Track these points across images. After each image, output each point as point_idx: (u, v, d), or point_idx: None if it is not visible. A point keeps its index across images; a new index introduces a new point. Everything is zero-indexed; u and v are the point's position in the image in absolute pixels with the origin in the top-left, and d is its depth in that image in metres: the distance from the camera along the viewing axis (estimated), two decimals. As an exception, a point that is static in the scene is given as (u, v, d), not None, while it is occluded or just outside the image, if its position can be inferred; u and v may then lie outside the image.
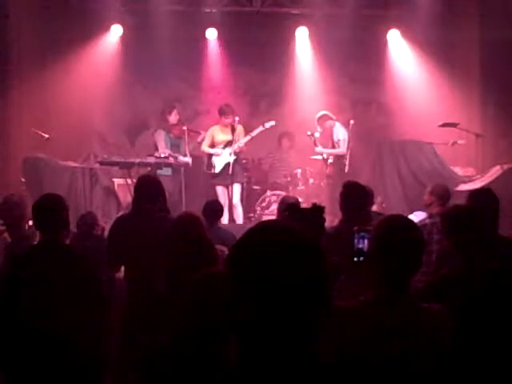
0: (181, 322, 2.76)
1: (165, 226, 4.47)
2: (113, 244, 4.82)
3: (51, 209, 3.73)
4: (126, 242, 4.72)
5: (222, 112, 9.30)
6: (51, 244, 3.67)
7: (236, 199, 9.29)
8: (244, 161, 9.82)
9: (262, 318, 1.41)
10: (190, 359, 2.53)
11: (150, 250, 4.41)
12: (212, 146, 9.42)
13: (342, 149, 9.35)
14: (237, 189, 9.32)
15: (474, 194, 4.84)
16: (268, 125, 9.36)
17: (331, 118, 9.56)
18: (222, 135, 9.36)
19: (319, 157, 9.64)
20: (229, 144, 9.24)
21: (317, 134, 9.53)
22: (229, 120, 9.23)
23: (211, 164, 9.37)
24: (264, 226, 1.54)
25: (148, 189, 4.94)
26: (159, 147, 9.53)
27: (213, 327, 2.54)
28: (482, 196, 4.67)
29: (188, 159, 9.43)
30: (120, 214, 6.18)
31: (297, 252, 1.44)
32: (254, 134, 9.29)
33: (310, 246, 1.48)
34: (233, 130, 9.27)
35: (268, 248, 1.43)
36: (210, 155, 9.40)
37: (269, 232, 1.48)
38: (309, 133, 9.53)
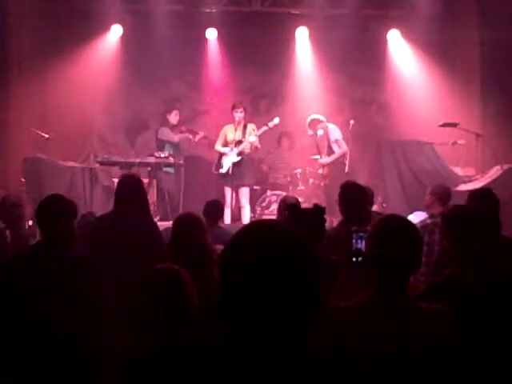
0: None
1: (142, 229, 4.55)
2: (93, 246, 4.82)
3: (52, 209, 3.72)
4: (105, 243, 4.73)
5: (233, 106, 9.27)
6: (51, 244, 3.67)
7: (244, 200, 9.26)
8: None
9: (252, 317, 1.41)
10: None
11: (128, 253, 4.44)
12: (225, 145, 9.36)
13: (344, 147, 9.29)
14: (245, 190, 9.30)
15: (474, 194, 4.84)
16: (272, 124, 9.27)
17: (321, 121, 9.47)
18: (233, 134, 9.28)
19: (328, 159, 9.54)
20: (238, 143, 9.21)
21: (319, 132, 9.42)
22: (239, 114, 9.17)
23: (220, 164, 9.31)
24: (256, 225, 1.54)
25: (128, 189, 4.95)
26: (170, 137, 9.59)
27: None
28: (483, 196, 4.66)
29: (190, 136, 9.76)
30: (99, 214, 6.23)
31: (288, 252, 1.44)
32: (258, 133, 9.25)
33: (302, 245, 1.47)
34: (244, 129, 9.24)
35: (259, 248, 1.43)
36: (221, 155, 9.35)
37: (260, 231, 1.48)
38: (311, 132, 9.46)
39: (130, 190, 4.93)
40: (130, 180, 5.10)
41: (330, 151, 9.40)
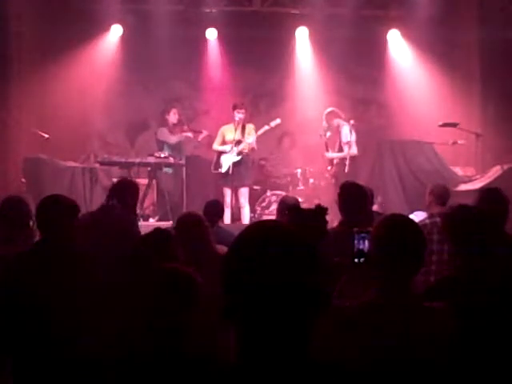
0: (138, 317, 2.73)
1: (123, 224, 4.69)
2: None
3: (51, 209, 3.72)
4: (88, 237, 4.86)
5: (234, 106, 9.22)
6: (50, 243, 3.66)
7: (244, 200, 9.24)
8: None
9: (257, 317, 1.42)
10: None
11: (109, 245, 4.56)
12: (223, 145, 9.30)
13: (353, 150, 9.16)
14: (244, 190, 9.28)
15: (482, 193, 4.81)
16: (273, 123, 9.22)
17: (339, 116, 9.36)
18: (232, 134, 9.23)
19: (335, 154, 9.39)
20: (237, 143, 9.19)
21: (328, 134, 9.35)
22: (240, 115, 9.15)
23: (219, 164, 9.26)
24: (259, 226, 1.54)
25: (121, 191, 5.31)
26: (167, 138, 9.56)
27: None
28: (491, 196, 4.64)
29: (190, 134, 9.78)
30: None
31: (291, 252, 1.45)
32: (259, 133, 9.17)
33: (305, 246, 1.48)
34: (243, 129, 9.21)
35: (262, 248, 1.44)
36: (219, 155, 9.32)
37: (263, 233, 1.49)
38: (321, 133, 9.36)
39: (113, 188, 5.41)
40: (125, 184, 5.58)
41: (340, 151, 9.34)
